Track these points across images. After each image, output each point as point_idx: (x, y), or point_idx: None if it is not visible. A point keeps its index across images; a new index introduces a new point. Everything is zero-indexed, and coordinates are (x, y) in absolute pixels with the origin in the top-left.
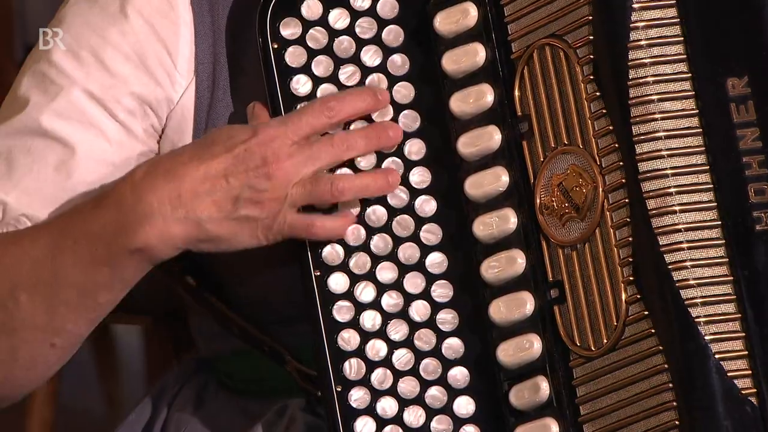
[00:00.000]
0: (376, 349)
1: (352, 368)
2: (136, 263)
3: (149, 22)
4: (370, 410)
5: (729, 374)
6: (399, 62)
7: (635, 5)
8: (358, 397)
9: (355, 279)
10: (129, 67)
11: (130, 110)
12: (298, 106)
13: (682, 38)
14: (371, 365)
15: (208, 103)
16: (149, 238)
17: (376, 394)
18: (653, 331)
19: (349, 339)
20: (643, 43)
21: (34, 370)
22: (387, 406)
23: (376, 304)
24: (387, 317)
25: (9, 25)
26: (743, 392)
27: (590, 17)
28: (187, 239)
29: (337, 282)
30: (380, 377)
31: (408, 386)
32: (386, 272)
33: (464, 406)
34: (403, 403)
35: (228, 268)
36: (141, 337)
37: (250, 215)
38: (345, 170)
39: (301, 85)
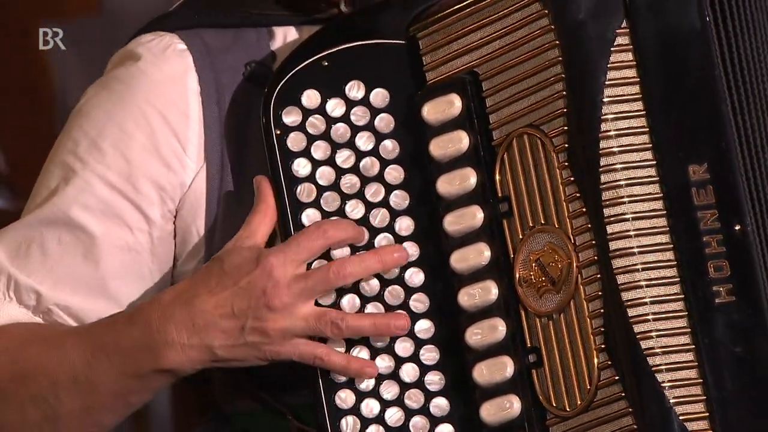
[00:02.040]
0: (370, 407)
1: (348, 425)
2: (162, 378)
3: (162, 114)
4: None
5: (680, 411)
6: (390, 147)
7: (605, 99)
8: None
9: (350, 344)
10: (145, 156)
11: (148, 197)
12: (299, 188)
13: (647, 129)
14: (366, 422)
15: (218, 186)
16: (171, 362)
17: None
18: (623, 394)
19: (345, 398)
20: (612, 133)
21: None
22: None
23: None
24: (380, 378)
25: (51, 110)
26: None
27: (565, 109)
28: (202, 362)
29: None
30: None
31: None
32: (379, 338)
33: None
34: None
35: None
36: (170, 398)
37: (255, 342)
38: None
39: (301, 167)
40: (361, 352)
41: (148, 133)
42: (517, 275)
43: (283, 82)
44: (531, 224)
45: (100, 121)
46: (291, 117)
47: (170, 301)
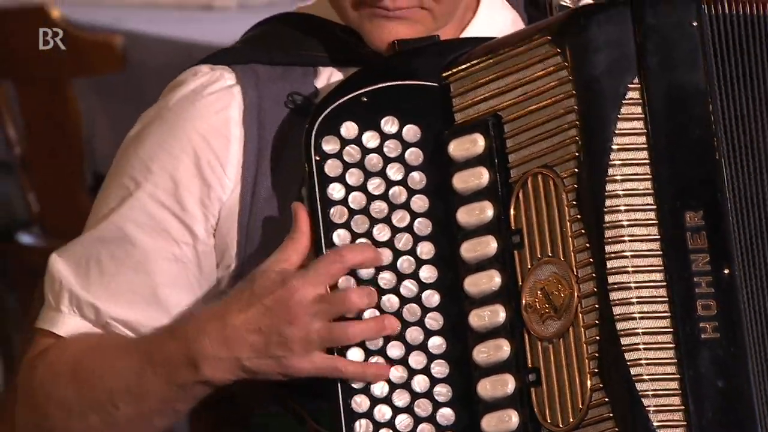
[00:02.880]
0: (383, 412)
1: (362, 427)
2: (202, 387)
3: (206, 140)
4: None
5: None
6: (417, 178)
7: (614, 147)
8: None
9: (368, 354)
10: (190, 177)
11: (192, 214)
12: (332, 209)
13: (650, 176)
14: (378, 426)
15: (250, 202)
16: (206, 374)
17: None
18: (611, 415)
19: (360, 403)
20: (618, 178)
21: None
22: None
23: (386, 386)
24: (393, 387)
25: (79, 154)
26: None
27: (577, 154)
28: (233, 373)
29: (354, 355)
30: None
31: None
32: (395, 349)
33: None
34: None
35: None
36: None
37: (278, 355)
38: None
39: (335, 191)
40: (378, 362)
41: (193, 157)
42: (524, 301)
43: (326, 113)
44: (539, 255)
45: (152, 147)
46: (330, 145)
47: (206, 317)
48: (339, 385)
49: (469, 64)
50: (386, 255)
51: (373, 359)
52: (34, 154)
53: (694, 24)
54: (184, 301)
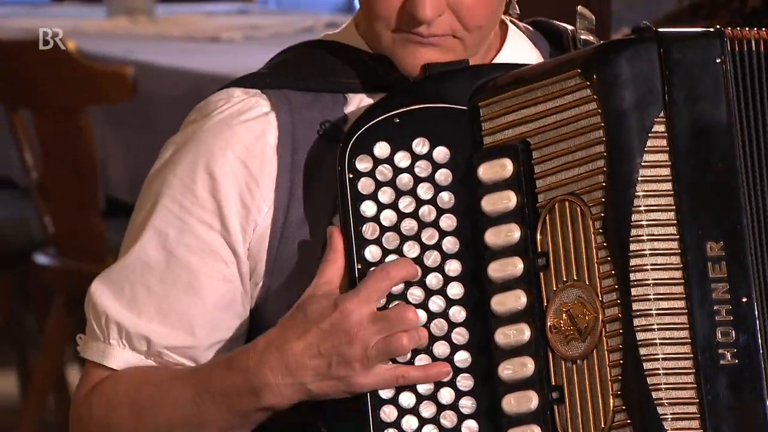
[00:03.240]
0: (410, 423)
1: None
2: (262, 414)
3: (244, 164)
4: None
5: None
6: (446, 198)
7: (639, 178)
8: None
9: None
10: (231, 199)
11: (235, 235)
12: (364, 226)
13: (674, 207)
14: None
15: (282, 225)
16: (269, 401)
17: None
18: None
19: (389, 413)
20: (642, 208)
21: None
22: None
23: (412, 387)
24: (420, 399)
25: (93, 178)
26: None
27: (603, 184)
28: (298, 398)
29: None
30: None
31: None
32: (422, 362)
33: None
34: None
35: None
36: None
37: (342, 375)
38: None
39: (368, 208)
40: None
41: (233, 180)
42: (549, 322)
43: (359, 132)
44: (565, 279)
45: (194, 169)
46: (363, 164)
47: (264, 347)
48: (368, 396)
49: (499, 91)
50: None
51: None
52: (50, 178)
53: (718, 61)
54: (234, 323)
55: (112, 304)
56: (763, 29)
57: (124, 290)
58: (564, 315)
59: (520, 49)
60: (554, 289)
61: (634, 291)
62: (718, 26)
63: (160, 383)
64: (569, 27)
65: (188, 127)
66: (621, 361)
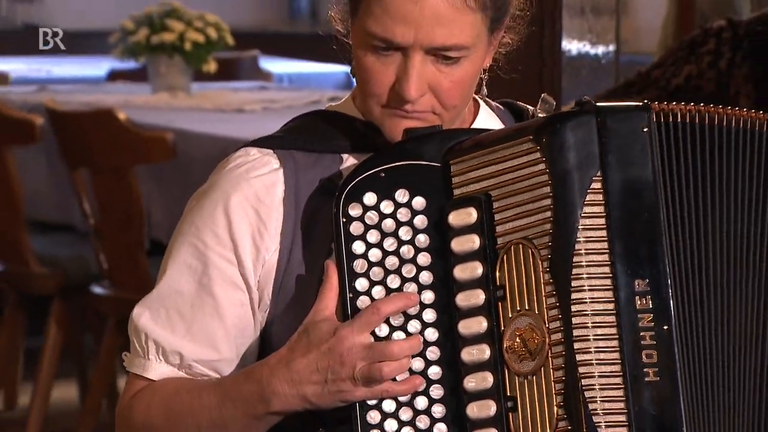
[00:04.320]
0: (391, 425)
1: None
2: (273, 418)
3: (256, 210)
4: None
5: None
6: (423, 240)
7: (579, 226)
8: None
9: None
10: (245, 239)
11: (248, 269)
12: (355, 262)
13: (608, 251)
14: None
15: (286, 262)
16: (277, 407)
17: None
18: None
19: (374, 416)
20: (582, 251)
21: None
22: None
23: (394, 403)
24: (399, 405)
25: (139, 224)
26: None
27: (551, 230)
28: (301, 406)
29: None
30: None
31: None
32: (403, 376)
33: None
34: None
35: None
36: None
37: (336, 390)
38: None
39: (358, 247)
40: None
41: (247, 224)
42: (505, 344)
43: (351, 184)
44: (518, 308)
45: (215, 213)
46: (354, 210)
47: (275, 363)
48: (357, 404)
49: (467, 152)
50: None
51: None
52: (105, 224)
53: (645, 130)
54: (248, 338)
55: (150, 325)
56: (683, 103)
57: (160, 314)
58: (517, 338)
59: (489, 123)
60: (510, 316)
61: (574, 320)
62: (646, 101)
63: (190, 391)
64: (530, 107)
65: (212, 178)
66: (563, 378)
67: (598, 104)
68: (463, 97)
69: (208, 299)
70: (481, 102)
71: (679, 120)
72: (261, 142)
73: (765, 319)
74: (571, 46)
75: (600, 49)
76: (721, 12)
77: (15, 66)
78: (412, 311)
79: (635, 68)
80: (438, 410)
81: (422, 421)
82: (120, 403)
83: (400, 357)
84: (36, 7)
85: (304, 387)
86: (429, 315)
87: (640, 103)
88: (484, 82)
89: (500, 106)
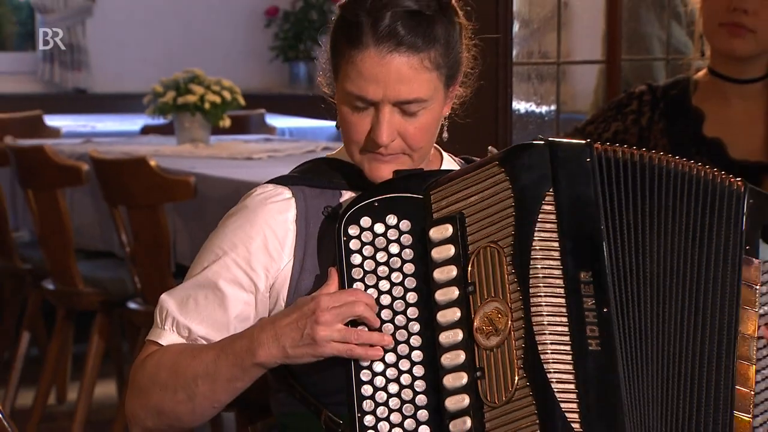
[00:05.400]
0: (381, 396)
1: (368, 405)
2: (256, 369)
3: (272, 229)
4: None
5: (563, 407)
6: (408, 253)
7: (536, 230)
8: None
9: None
10: (260, 251)
11: (258, 275)
12: (353, 270)
13: (559, 249)
14: (377, 404)
15: (299, 272)
16: (262, 358)
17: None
18: (531, 394)
19: (366, 389)
20: (538, 248)
21: (200, 418)
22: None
23: (383, 372)
24: (387, 381)
25: (167, 252)
26: (572, 424)
27: (513, 233)
28: (280, 357)
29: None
30: (382, 409)
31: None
32: (390, 357)
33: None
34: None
35: (303, 369)
36: (234, 421)
37: (310, 343)
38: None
39: (356, 259)
40: (378, 364)
41: (262, 238)
42: (475, 325)
43: (351, 210)
44: (486, 297)
45: (236, 230)
46: (353, 230)
47: (265, 322)
48: (353, 379)
49: (443, 183)
50: (387, 299)
51: (379, 367)
52: (138, 251)
53: (588, 160)
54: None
55: (171, 306)
56: (617, 144)
57: (182, 299)
58: (486, 319)
59: (453, 167)
60: (479, 304)
61: (532, 302)
62: (589, 140)
63: (193, 350)
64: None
65: (238, 205)
66: (523, 346)
67: (549, 139)
68: (427, 140)
69: (219, 293)
70: (444, 153)
71: (619, 157)
72: (277, 180)
73: (689, 308)
74: (520, 106)
75: (543, 109)
76: (642, 78)
77: (66, 122)
78: (399, 308)
79: (572, 124)
80: (419, 384)
81: (406, 394)
82: (135, 363)
83: (362, 313)
84: (83, 75)
85: (283, 339)
86: (412, 310)
87: (584, 141)
88: (444, 128)
89: (461, 159)
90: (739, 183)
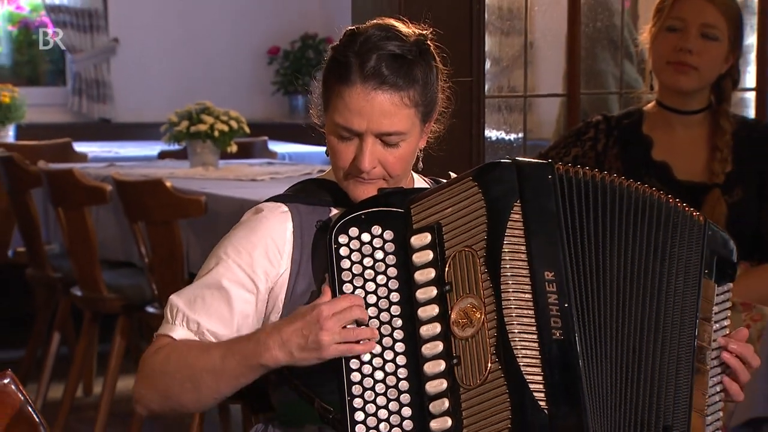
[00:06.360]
0: (369, 381)
1: (356, 390)
2: (261, 369)
3: (273, 239)
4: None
5: (531, 387)
6: (392, 258)
7: (506, 235)
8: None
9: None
10: (261, 257)
11: (259, 278)
12: (342, 274)
13: (526, 252)
14: (365, 390)
15: (295, 278)
16: (268, 360)
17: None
18: (503, 375)
19: (355, 376)
20: (507, 251)
21: (202, 407)
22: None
23: (369, 361)
24: (374, 370)
25: (180, 262)
26: (539, 402)
27: (486, 239)
28: (286, 360)
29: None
30: (370, 395)
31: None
32: (377, 349)
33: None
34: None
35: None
36: (240, 411)
37: (314, 347)
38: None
39: (344, 265)
40: (366, 356)
41: (264, 246)
42: (452, 319)
43: (340, 222)
44: (462, 294)
45: (240, 239)
46: (342, 239)
47: (271, 329)
48: (344, 377)
49: (422, 198)
50: (372, 298)
51: (366, 357)
52: (156, 262)
53: (550, 177)
54: (246, 328)
55: (181, 304)
56: (578, 166)
57: (190, 298)
58: (462, 313)
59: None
60: (455, 300)
61: (503, 296)
62: (551, 160)
63: (201, 347)
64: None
65: (243, 218)
66: (495, 335)
67: (516, 158)
68: (404, 168)
69: (224, 292)
70: (415, 174)
71: (580, 177)
72: (276, 198)
73: (650, 310)
74: (492, 133)
75: (512, 136)
76: (598, 110)
77: (92, 149)
78: (383, 306)
79: (537, 150)
80: (402, 371)
81: (390, 381)
82: (146, 351)
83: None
84: (108, 107)
85: (289, 344)
86: (396, 308)
87: (546, 162)
88: (419, 159)
89: (429, 179)
90: (700, 217)
